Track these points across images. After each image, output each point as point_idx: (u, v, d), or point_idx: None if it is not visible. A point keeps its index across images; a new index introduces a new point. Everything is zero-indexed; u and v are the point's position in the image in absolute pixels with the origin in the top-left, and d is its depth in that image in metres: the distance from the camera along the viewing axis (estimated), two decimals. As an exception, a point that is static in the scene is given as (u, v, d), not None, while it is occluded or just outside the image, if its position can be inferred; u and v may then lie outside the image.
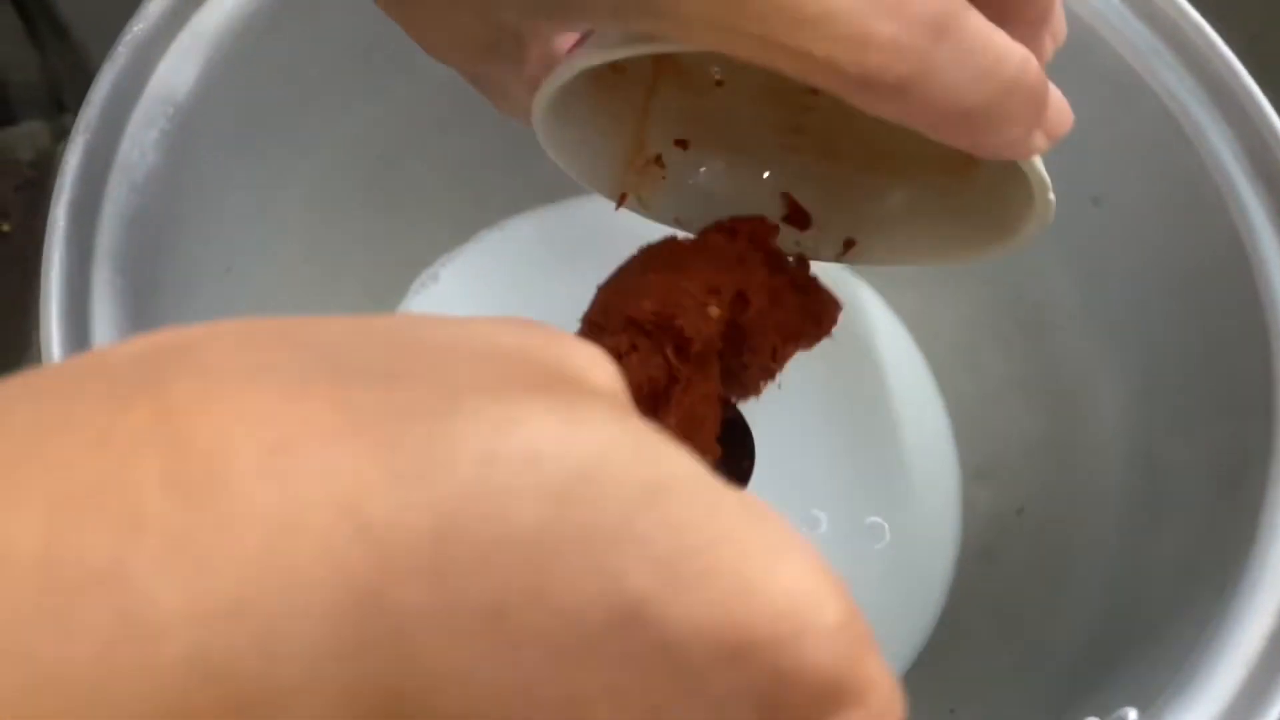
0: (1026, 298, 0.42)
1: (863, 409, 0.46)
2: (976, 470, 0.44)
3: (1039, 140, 0.21)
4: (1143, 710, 0.26)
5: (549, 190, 0.46)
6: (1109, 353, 0.39)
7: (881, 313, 0.48)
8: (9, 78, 0.51)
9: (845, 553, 0.42)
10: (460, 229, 0.46)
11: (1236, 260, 0.32)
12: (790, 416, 0.44)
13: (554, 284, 0.45)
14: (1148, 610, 0.32)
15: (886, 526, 0.43)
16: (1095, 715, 0.28)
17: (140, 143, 0.29)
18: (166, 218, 0.30)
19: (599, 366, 0.14)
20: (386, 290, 0.44)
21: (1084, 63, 0.36)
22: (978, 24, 0.19)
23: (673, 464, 0.13)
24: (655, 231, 0.30)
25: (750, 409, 0.42)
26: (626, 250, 0.30)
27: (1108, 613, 0.35)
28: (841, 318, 0.46)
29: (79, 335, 0.27)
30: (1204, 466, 0.32)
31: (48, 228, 0.27)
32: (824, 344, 0.46)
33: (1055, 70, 0.35)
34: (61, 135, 0.50)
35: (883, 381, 0.46)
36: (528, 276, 0.46)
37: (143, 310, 0.29)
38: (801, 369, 0.45)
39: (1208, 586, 0.29)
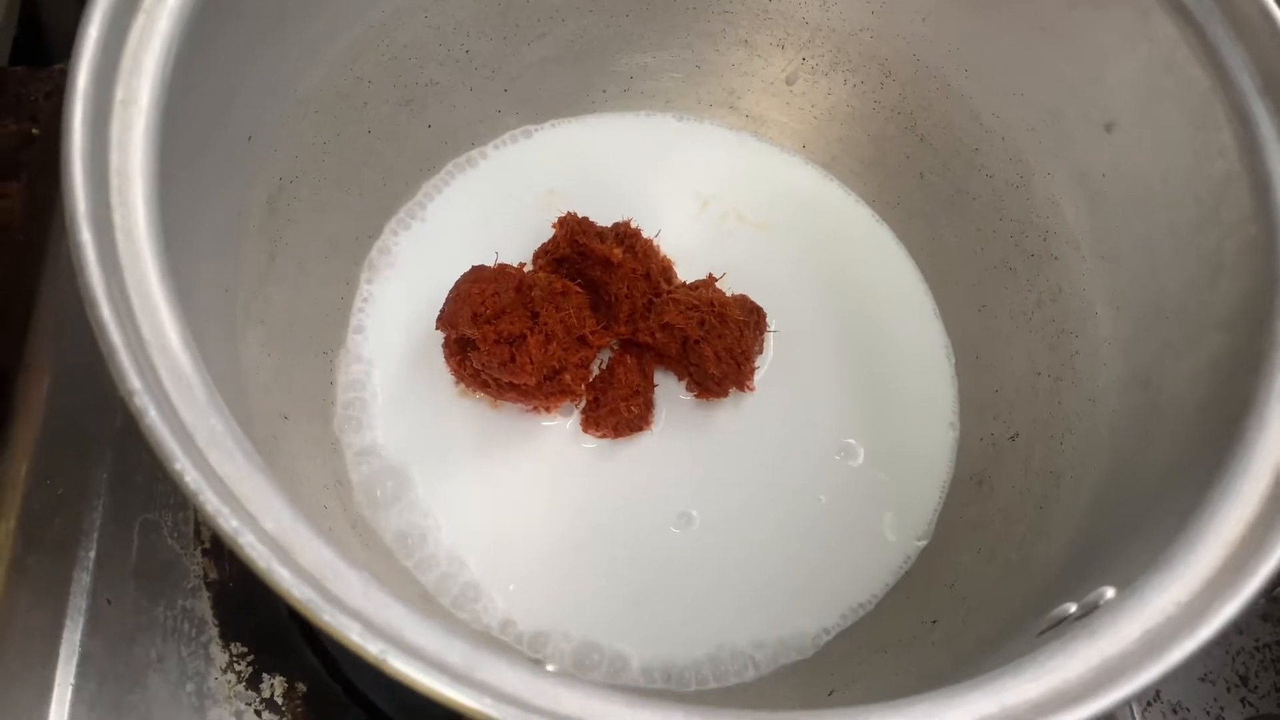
0: (1035, 227, 0.42)
1: (864, 341, 0.46)
2: (977, 401, 0.45)
3: None
4: (1120, 589, 0.27)
5: (559, 104, 0.47)
6: (1111, 280, 0.39)
7: (891, 246, 0.48)
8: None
9: (826, 474, 0.43)
10: (476, 135, 0.46)
11: (1245, 175, 0.33)
12: (798, 343, 0.45)
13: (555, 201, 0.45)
14: (1131, 516, 0.32)
15: (862, 450, 0.43)
16: (1073, 602, 0.29)
17: (161, 12, 0.29)
18: (189, 81, 0.30)
19: None
20: (403, 184, 0.45)
21: (1103, -17, 0.36)
22: None
23: None
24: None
25: (783, 343, 0.44)
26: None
27: (1092, 525, 0.35)
28: (852, 252, 0.47)
29: (99, 173, 0.27)
30: (1198, 381, 0.32)
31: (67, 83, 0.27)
32: (831, 275, 0.47)
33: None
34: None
35: (887, 315, 0.47)
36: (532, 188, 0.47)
37: (164, 156, 0.29)
38: (811, 298, 0.46)
39: (1191, 486, 0.29)
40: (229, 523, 0.22)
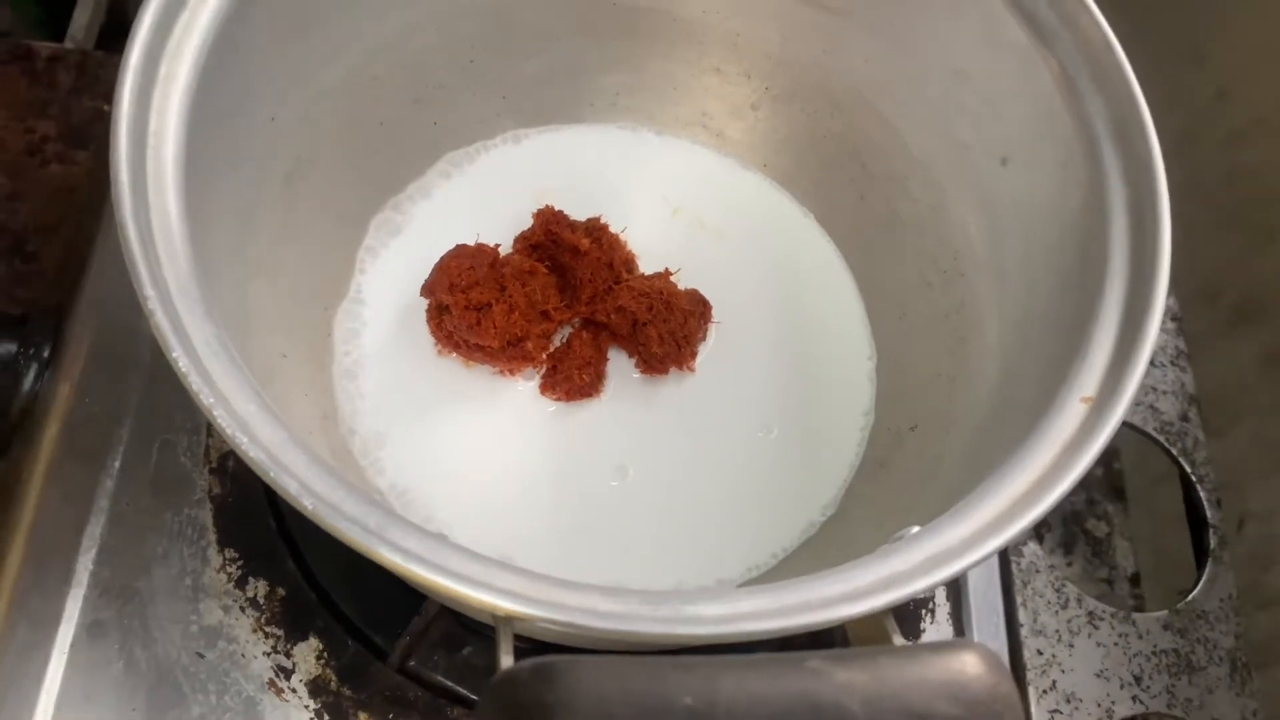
0: (949, 247, 0.48)
1: (800, 338, 0.52)
2: (889, 396, 0.50)
3: None
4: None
5: (551, 112, 0.54)
6: (1000, 294, 0.45)
7: (832, 258, 0.54)
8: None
9: (749, 447, 0.49)
10: (475, 133, 0.53)
11: (1094, 210, 0.39)
12: (739, 335, 0.51)
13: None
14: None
15: (784, 431, 0.49)
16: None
17: (204, 9, 0.37)
18: (221, 66, 0.37)
19: None
20: (407, 171, 0.52)
21: (999, 38, 0.42)
22: None
23: None
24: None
25: (726, 334, 0.50)
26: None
27: (954, 496, 0.41)
28: (798, 261, 0.53)
29: (140, 132, 0.35)
30: (1036, 379, 0.38)
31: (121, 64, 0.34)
32: (777, 279, 0.53)
33: (980, 43, 0.42)
34: None
35: (822, 318, 0.53)
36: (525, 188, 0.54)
37: (194, 125, 0.36)
38: (755, 298, 0.52)
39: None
40: (207, 399, 0.29)
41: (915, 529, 0.32)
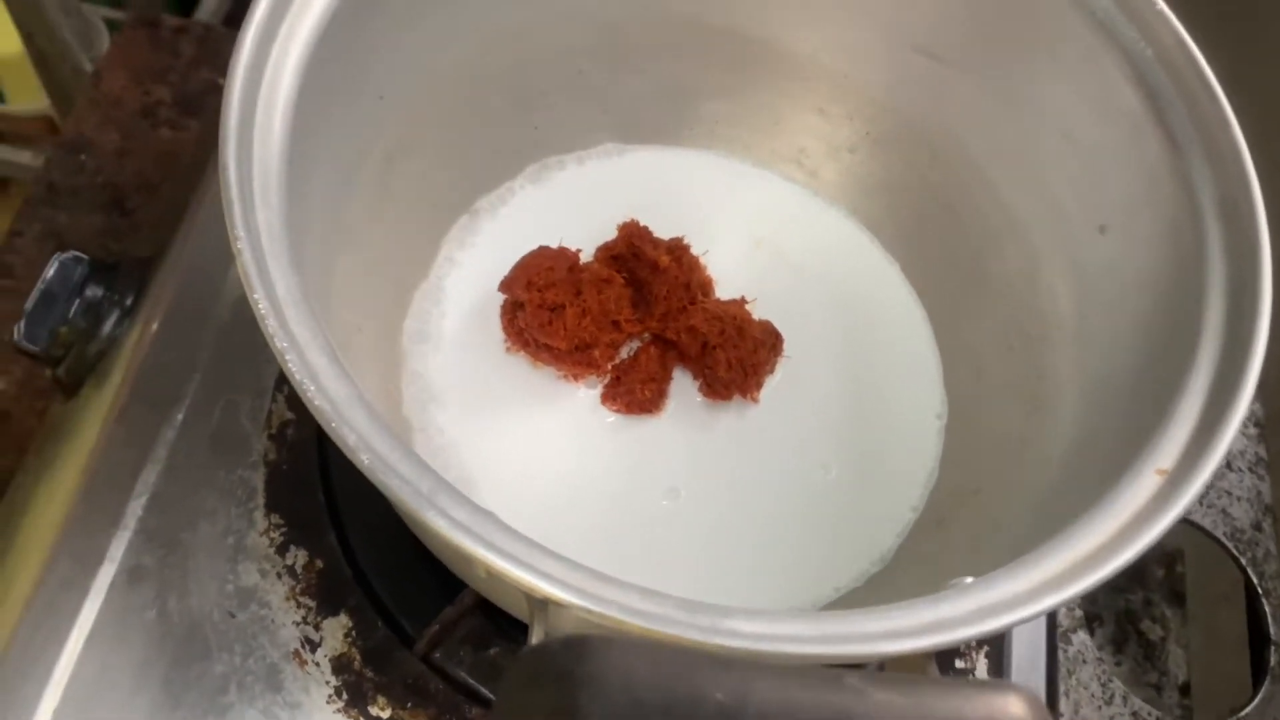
0: (1035, 311, 0.47)
1: (869, 386, 0.51)
2: (956, 456, 0.49)
3: None
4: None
5: (648, 132, 0.55)
6: (1082, 362, 0.44)
7: (913, 310, 0.53)
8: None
9: (805, 486, 0.48)
10: (572, 142, 0.54)
11: (1192, 282, 0.37)
12: (808, 374, 0.51)
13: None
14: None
15: (843, 476, 0.48)
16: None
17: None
18: (337, 42, 0.38)
19: None
20: (501, 168, 0.53)
21: (1112, 103, 0.42)
22: None
23: None
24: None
25: (794, 369, 0.50)
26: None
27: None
28: (876, 307, 0.53)
29: (250, 98, 0.35)
30: (1118, 444, 0.37)
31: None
32: (853, 323, 0.52)
33: (1092, 107, 0.42)
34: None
35: (894, 368, 0.52)
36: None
37: (303, 95, 0.37)
38: (829, 340, 0.52)
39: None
40: (281, 343, 0.29)
41: (969, 579, 0.31)
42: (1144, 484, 0.33)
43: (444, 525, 0.28)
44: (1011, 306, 0.49)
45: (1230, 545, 0.61)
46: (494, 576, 0.28)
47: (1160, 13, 0.41)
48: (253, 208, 0.32)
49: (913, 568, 0.46)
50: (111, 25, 0.95)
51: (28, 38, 0.90)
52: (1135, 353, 0.40)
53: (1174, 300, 0.38)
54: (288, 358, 0.29)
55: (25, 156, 1.10)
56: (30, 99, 1.06)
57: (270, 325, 0.30)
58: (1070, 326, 0.45)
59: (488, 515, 0.29)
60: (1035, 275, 0.48)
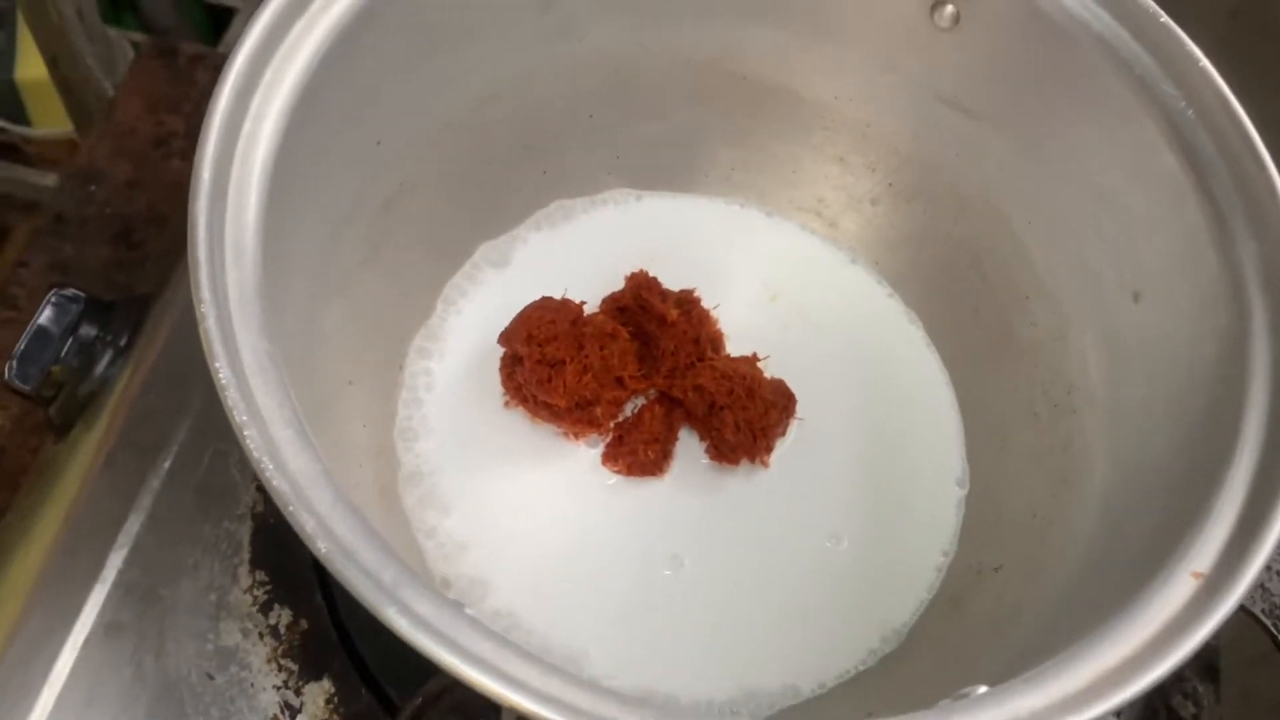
0: (1064, 379, 0.45)
1: (886, 452, 0.49)
2: (975, 530, 0.47)
3: None
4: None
5: (662, 178, 0.53)
6: (1113, 438, 0.41)
7: (935, 372, 0.51)
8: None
9: (814, 559, 0.45)
10: (582, 188, 0.52)
11: (1232, 360, 0.35)
12: (822, 437, 0.48)
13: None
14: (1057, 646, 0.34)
15: (855, 549, 0.46)
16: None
17: (323, 19, 0.36)
18: (331, 81, 0.36)
19: None
20: (509, 214, 0.51)
21: (1150, 164, 0.39)
22: None
23: None
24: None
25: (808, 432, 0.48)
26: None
27: (1029, 656, 0.37)
28: (897, 368, 0.50)
29: (232, 134, 0.34)
30: (1141, 540, 0.34)
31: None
32: (871, 383, 0.50)
33: (1128, 166, 0.39)
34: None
35: (914, 434, 0.49)
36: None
37: (290, 138, 0.35)
38: (845, 401, 0.49)
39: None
40: (240, 416, 0.27)
41: (982, 689, 0.29)
42: (1178, 588, 0.30)
43: (404, 625, 0.25)
44: (1039, 372, 0.46)
45: (1268, 623, 0.57)
46: (460, 677, 0.26)
47: (1204, 70, 0.38)
48: (222, 268, 0.30)
49: (927, 650, 0.43)
50: (139, 49, 0.95)
51: (51, 63, 0.89)
52: (1170, 435, 0.37)
53: (1213, 381, 0.35)
54: (246, 433, 0.27)
55: (51, 179, 1.10)
56: (57, 123, 1.06)
57: (231, 397, 0.28)
58: (1101, 399, 0.42)
59: (454, 610, 0.27)
60: (1065, 340, 0.45)
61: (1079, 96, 0.41)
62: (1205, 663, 0.72)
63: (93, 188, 0.69)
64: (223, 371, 0.28)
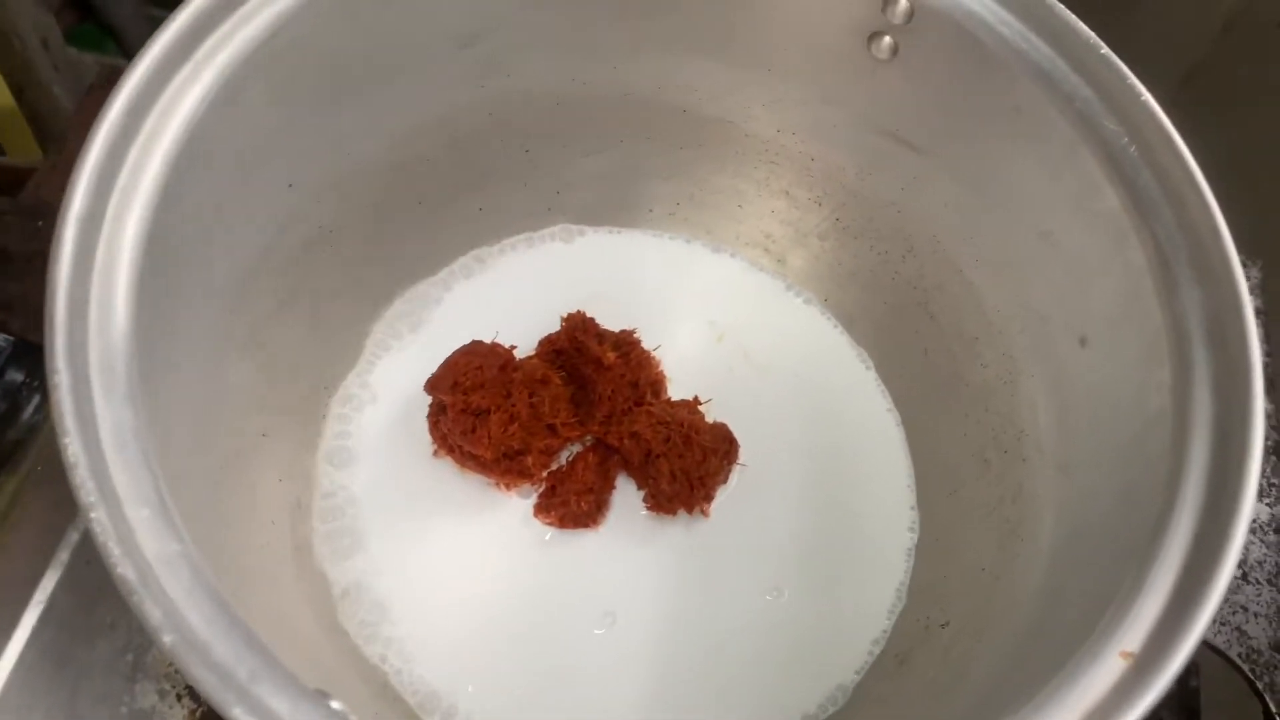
0: (1014, 426, 0.43)
1: (834, 501, 0.47)
2: (925, 583, 0.45)
3: None
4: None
5: (605, 214, 0.51)
6: (1062, 491, 0.39)
7: (884, 417, 0.49)
8: None
9: (756, 618, 0.43)
10: (522, 225, 0.50)
11: (1171, 416, 0.33)
12: (767, 484, 0.46)
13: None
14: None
15: (800, 605, 0.43)
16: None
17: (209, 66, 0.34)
18: (221, 128, 0.34)
19: None
20: (443, 254, 0.49)
21: (1093, 203, 0.37)
22: None
23: None
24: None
25: (752, 479, 0.45)
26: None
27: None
28: (847, 411, 0.48)
29: (105, 186, 0.32)
30: (1092, 594, 0.32)
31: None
32: (820, 427, 0.48)
33: (1071, 205, 0.37)
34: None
35: (863, 481, 0.47)
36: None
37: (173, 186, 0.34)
38: (791, 446, 0.47)
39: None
40: (87, 497, 0.26)
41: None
42: (1105, 668, 0.28)
43: (250, 726, 0.24)
44: (990, 417, 0.44)
45: (1246, 669, 0.55)
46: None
47: (1146, 105, 0.36)
48: (84, 328, 0.28)
49: (868, 712, 0.41)
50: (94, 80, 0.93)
51: (18, 92, 0.88)
52: (1113, 492, 0.35)
53: (1155, 435, 0.33)
54: (93, 515, 0.26)
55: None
56: (30, 152, 1.05)
57: (79, 475, 0.26)
58: (1050, 448, 0.40)
59: (315, 706, 0.25)
60: (1014, 385, 0.43)
61: (1020, 130, 0.39)
62: (1185, 704, 0.69)
63: (40, 223, 0.67)
64: (71, 447, 0.26)
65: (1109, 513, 0.35)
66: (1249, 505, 0.29)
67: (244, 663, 0.25)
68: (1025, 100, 0.38)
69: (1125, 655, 0.28)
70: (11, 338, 0.52)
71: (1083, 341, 0.39)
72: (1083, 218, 0.38)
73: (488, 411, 0.42)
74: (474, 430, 0.42)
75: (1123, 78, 0.36)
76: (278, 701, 0.25)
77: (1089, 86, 0.37)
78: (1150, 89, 0.36)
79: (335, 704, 0.26)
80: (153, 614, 0.25)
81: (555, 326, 0.47)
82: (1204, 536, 0.30)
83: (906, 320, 0.48)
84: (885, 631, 0.44)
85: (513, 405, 0.42)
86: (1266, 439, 0.60)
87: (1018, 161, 0.40)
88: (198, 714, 0.43)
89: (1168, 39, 0.84)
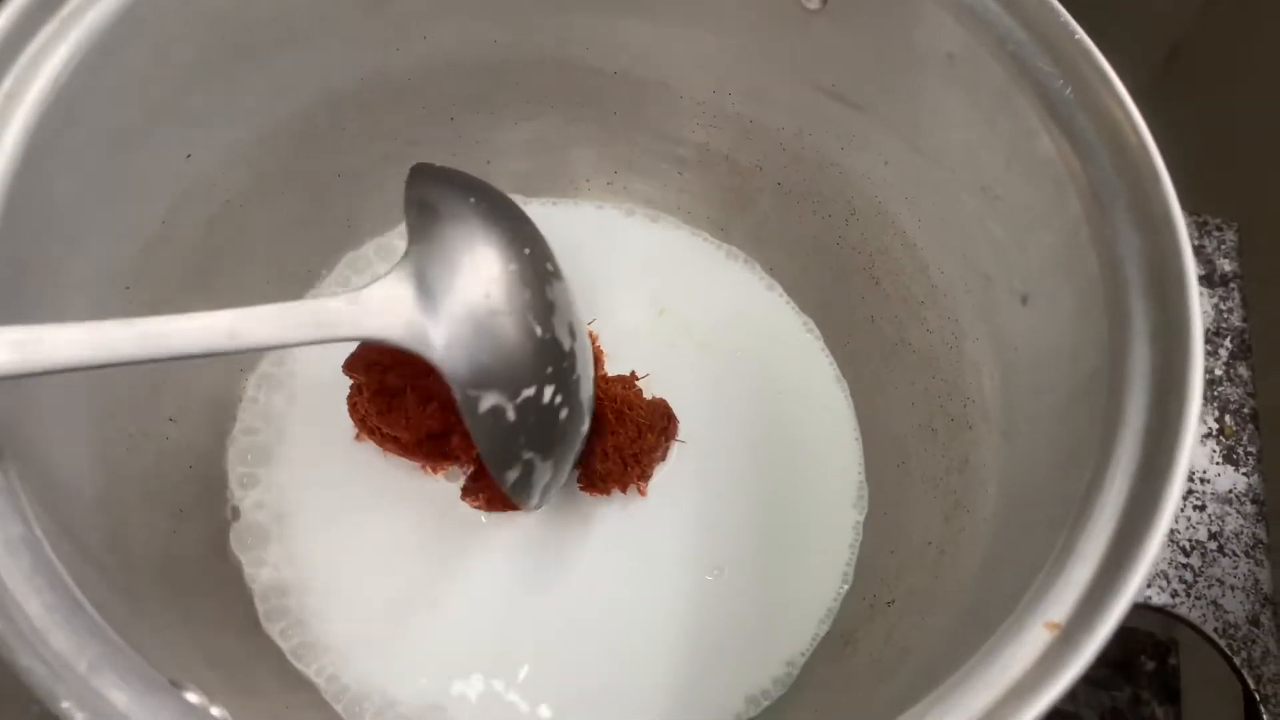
0: (959, 392, 0.41)
1: (779, 476, 0.45)
2: (872, 559, 0.43)
3: None
4: None
5: (540, 184, 0.49)
6: (1005, 458, 0.37)
7: (832, 387, 0.47)
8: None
9: (697, 598, 0.41)
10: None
11: (1106, 373, 0.31)
12: (708, 461, 0.44)
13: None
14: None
15: (742, 584, 0.42)
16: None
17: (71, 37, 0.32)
18: (88, 106, 0.32)
19: None
20: (368, 228, 0.47)
21: (1031, 153, 0.35)
22: None
23: None
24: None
25: (693, 455, 0.43)
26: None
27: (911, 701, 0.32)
28: (792, 383, 0.46)
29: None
30: (1027, 572, 0.30)
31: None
32: (764, 401, 0.46)
33: (1010, 156, 0.35)
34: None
35: (809, 453, 0.45)
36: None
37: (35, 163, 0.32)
38: (734, 422, 0.45)
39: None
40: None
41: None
42: (1030, 640, 0.26)
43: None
44: (936, 384, 0.42)
45: (1222, 644, 0.53)
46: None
47: (1080, 43, 0.34)
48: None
49: (810, 698, 0.39)
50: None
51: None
52: (1051, 456, 0.33)
53: (1092, 395, 0.31)
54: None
55: None
56: None
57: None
58: (994, 414, 0.38)
59: (168, 693, 0.23)
60: (959, 349, 0.41)
61: (955, 78, 0.37)
62: (1164, 684, 0.67)
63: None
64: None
65: (1046, 479, 0.33)
66: (1185, 463, 0.27)
67: (86, 652, 0.23)
68: (958, 46, 0.36)
69: (1051, 626, 0.26)
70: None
71: (1024, 300, 0.36)
72: (1020, 168, 0.36)
73: (404, 390, 0.40)
74: (390, 410, 0.40)
75: (1055, 15, 0.34)
76: (117, 694, 0.23)
77: (1022, 28, 0.35)
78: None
79: (192, 696, 0.24)
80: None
81: (486, 302, 0.45)
82: (1137, 499, 0.27)
83: (852, 286, 0.46)
84: (831, 611, 0.42)
85: (430, 384, 0.40)
86: (1241, 405, 0.58)
87: (954, 112, 0.38)
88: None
89: (1149, 10, 0.82)
